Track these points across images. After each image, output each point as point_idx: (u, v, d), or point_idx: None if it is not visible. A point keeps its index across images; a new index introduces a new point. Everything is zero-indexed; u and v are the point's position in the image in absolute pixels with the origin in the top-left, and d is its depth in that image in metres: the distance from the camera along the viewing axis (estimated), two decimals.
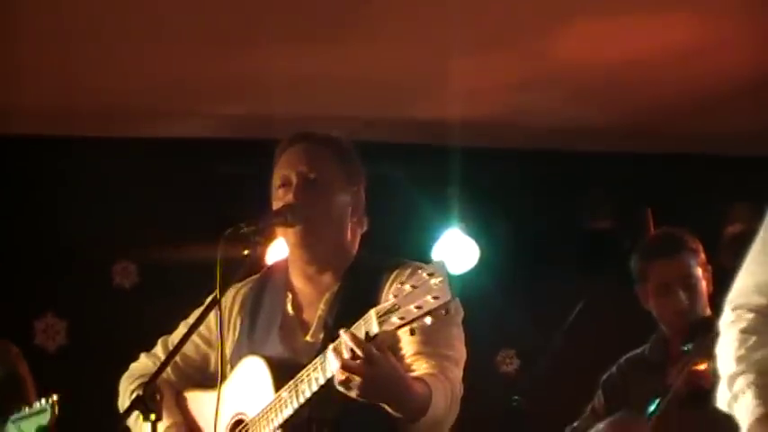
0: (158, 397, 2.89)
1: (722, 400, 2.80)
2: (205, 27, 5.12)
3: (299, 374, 3.06)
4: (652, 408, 3.87)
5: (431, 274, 2.79)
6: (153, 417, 2.89)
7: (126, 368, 3.63)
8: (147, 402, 2.90)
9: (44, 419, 3.45)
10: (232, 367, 3.37)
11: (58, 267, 5.81)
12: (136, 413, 3.01)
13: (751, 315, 2.79)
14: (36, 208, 5.82)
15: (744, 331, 2.78)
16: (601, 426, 4.30)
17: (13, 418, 3.51)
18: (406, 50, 5.38)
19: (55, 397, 3.40)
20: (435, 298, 2.76)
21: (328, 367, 2.95)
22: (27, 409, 3.45)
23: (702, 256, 4.39)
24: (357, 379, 2.90)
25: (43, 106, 5.59)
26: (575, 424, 4.53)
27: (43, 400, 3.45)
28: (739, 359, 2.76)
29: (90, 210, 5.72)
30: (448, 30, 5.16)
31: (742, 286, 2.83)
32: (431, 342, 3.20)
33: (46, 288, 5.84)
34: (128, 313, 5.67)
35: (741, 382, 2.74)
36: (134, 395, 2.96)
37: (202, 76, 5.51)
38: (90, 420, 3.53)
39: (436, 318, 2.79)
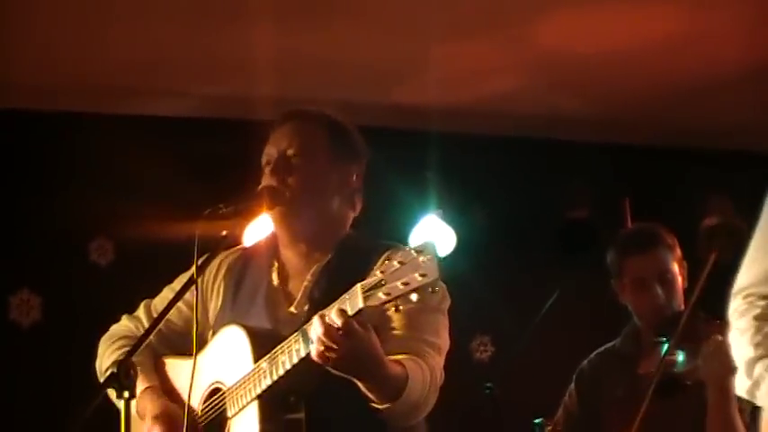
0: (132, 373, 2.86)
1: (741, 387, 2.85)
2: (187, 6, 5.10)
3: (280, 346, 3.03)
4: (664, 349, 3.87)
5: (419, 252, 2.74)
6: (126, 394, 2.84)
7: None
8: (121, 380, 2.84)
9: None
10: (214, 334, 3.35)
11: (35, 243, 5.78)
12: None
13: (764, 302, 2.84)
14: (12, 184, 5.79)
15: (758, 318, 2.84)
16: None
17: None
18: (388, 35, 5.37)
19: None
20: (423, 275, 2.72)
21: (309, 338, 2.92)
22: None
23: (678, 251, 4.38)
24: (334, 350, 2.87)
25: (20, 81, 5.56)
26: (549, 427, 4.51)
27: None
28: (757, 345, 2.81)
29: (67, 186, 5.70)
30: (429, 15, 5.16)
31: (751, 275, 2.87)
32: (416, 327, 3.18)
33: (21, 264, 5.81)
34: (103, 290, 5.63)
35: (760, 367, 2.78)
36: (108, 372, 2.91)
37: (184, 56, 5.49)
38: (62, 395, 3.52)
39: (422, 295, 2.75)
